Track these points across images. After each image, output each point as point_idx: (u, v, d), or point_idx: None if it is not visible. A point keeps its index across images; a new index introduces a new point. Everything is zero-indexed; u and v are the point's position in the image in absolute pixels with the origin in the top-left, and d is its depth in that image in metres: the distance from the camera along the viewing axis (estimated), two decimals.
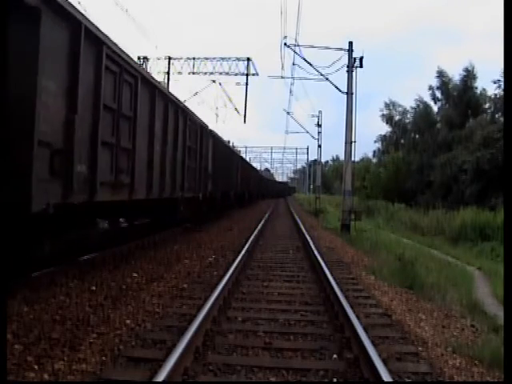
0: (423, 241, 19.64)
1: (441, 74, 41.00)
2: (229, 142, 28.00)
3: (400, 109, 48.18)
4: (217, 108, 32.03)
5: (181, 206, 11.59)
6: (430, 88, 42.51)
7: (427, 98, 43.25)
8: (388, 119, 48.65)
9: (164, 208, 10.88)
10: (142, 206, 8.94)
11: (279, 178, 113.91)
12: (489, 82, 37.31)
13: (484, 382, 4.09)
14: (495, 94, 35.65)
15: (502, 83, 33.96)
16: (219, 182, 17.28)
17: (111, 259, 8.04)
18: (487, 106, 38.20)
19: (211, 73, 26.80)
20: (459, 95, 38.92)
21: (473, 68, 39.03)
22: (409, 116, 46.65)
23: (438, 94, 42.07)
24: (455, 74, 42.11)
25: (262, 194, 54.55)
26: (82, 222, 6.61)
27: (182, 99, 12.63)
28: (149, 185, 8.48)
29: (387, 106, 48.88)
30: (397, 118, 48.40)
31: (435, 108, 43.10)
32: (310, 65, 18.48)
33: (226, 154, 19.85)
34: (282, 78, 23.92)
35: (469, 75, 38.96)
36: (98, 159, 6.09)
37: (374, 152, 54.52)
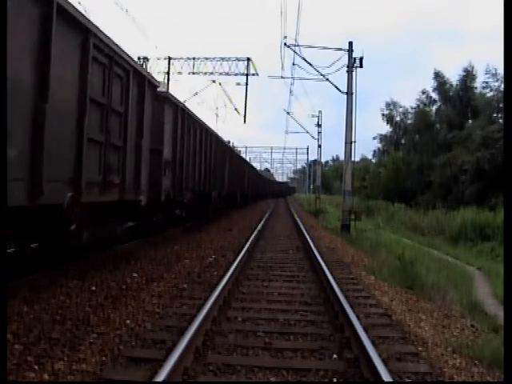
0: (423, 241, 19.65)
1: (437, 75, 41.05)
2: (229, 142, 27.98)
3: (401, 109, 48.23)
4: (217, 108, 32.15)
5: (74, 219, 5.60)
6: (424, 92, 42.71)
7: (420, 102, 43.38)
8: (389, 119, 48.61)
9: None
10: None
11: (279, 178, 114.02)
12: (482, 84, 36.99)
13: (484, 382, 4.09)
14: (486, 96, 35.68)
15: (492, 85, 34.22)
16: (189, 177, 12.18)
17: (111, 259, 8.04)
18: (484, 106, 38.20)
19: (211, 73, 26.87)
20: (459, 96, 38.94)
21: (472, 68, 39.10)
22: (410, 116, 46.68)
23: (435, 96, 42.18)
24: (454, 75, 42.28)
25: (261, 194, 52.10)
26: None
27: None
28: None
29: (388, 105, 48.91)
30: (398, 118, 48.45)
31: (433, 109, 43.16)
32: (310, 65, 18.52)
33: (204, 139, 14.28)
34: (282, 78, 23.98)
35: (468, 75, 38.98)
36: None
37: (374, 152, 54.58)
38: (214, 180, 16.28)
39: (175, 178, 10.70)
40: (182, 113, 11.30)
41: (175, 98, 10.91)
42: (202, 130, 14.23)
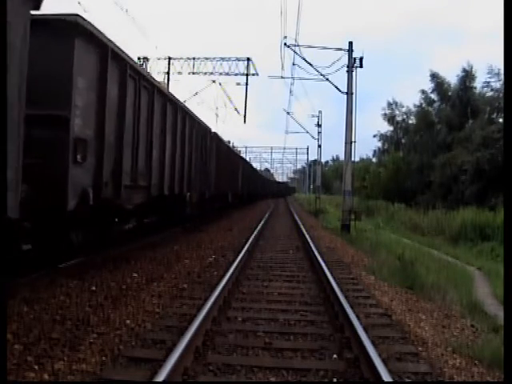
0: (423, 241, 19.65)
1: (434, 76, 41.08)
2: (229, 142, 27.97)
3: (403, 109, 48.35)
4: (217, 108, 32.14)
5: None
6: (424, 92, 42.73)
7: (423, 101, 43.38)
8: (390, 119, 48.79)
9: None
10: None
11: (279, 178, 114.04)
12: (483, 84, 36.95)
13: (484, 382, 4.10)
14: (486, 96, 35.64)
15: (493, 84, 34.21)
16: (138, 170, 8.05)
17: (111, 259, 8.04)
18: (484, 106, 38.22)
19: (211, 73, 26.83)
20: (458, 96, 38.96)
21: (471, 68, 39.13)
22: (412, 117, 46.77)
23: (434, 96, 42.19)
24: (453, 75, 42.22)
25: (260, 194, 50.06)
26: None
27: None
28: None
29: (390, 105, 49.11)
30: (399, 117, 48.63)
31: (433, 109, 43.17)
32: (310, 65, 18.52)
33: (172, 118, 10.22)
34: (282, 78, 23.99)
35: (467, 75, 38.99)
36: None
37: (374, 151, 54.72)
38: (190, 177, 12.22)
39: (103, 170, 6.58)
40: (119, 63, 7.01)
41: (101, 33, 6.36)
42: (167, 102, 9.73)
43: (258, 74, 27.50)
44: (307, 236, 13.25)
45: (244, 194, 30.07)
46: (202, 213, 15.67)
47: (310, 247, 10.83)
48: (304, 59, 18.59)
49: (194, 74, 26.81)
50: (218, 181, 17.54)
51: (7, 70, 4.04)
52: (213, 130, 16.68)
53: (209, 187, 15.53)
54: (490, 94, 35.33)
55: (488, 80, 34.57)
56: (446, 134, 38.05)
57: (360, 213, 18.63)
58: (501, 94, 31.52)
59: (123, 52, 7.28)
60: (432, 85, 41.37)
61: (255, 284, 7.29)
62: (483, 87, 36.02)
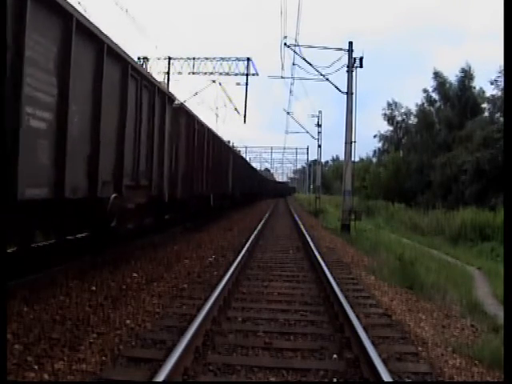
0: (423, 241, 19.65)
1: (437, 75, 41.11)
2: (229, 142, 27.93)
3: (403, 109, 48.45)
4: (217, 108, 32.11)
5: None
6: (425, 91, 42.78)
7: (424, 100, 43.46)
8: (390, 119, 48.93)
9: None
10: None
11: (279, 178, 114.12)
12: (489, 82, 36.94)
13: (484, 382, 4.09)
14: (493, 95, 35.65)
15: (500, 83, 34.04)
16: None
17: (111, 259, 8.03)
18: (486, 106, 38.25)
19: (211, 73, 26.81)
20: (457, 96, 38.98)
21: (469, 68, 39.19)
22: (412, 117, 46.85)
23: (435, 96, 42.25)
24: (454, 75, 42.23)
25: (258, 194, 48.28)
26: None
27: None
28: None
29: (390, 105, 49.25)
30: (399, 118, 48.77)
31: (433, 109, 43.21)
32: (310, 65, 18.52)
33: (76, 47, 5.48)
34: (282, 78, 23.98)
35: (466, 75, 39.05)
36: None
37: (374, 152, 54.84)
38: (120, 166, 7.31)
39: None
40: None
41: None
42: (54, 14, 5.12)
43: (258, 74, 27.53)
44: (307, 236, 13.25)
45: (236, 195, 25.35)
46: (155, 225, 10.95)
47: (310, 247, 10.83)
48: (304, 59, 18.62)
49: (193, 73, 26.79)
50: (190, 177, 12.74)
51: None
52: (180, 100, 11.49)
53: (172, 186, 10.70)
54: (495, 91, 35.22)
55: (496, 79, 34.40)
56: (446, 134, 38.08)
57: (360, 213, 18.62)
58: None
59: None
60: (434, 83, 41.52)
61: (255, 284, 7.28)
62: (491, 83, 35.72)
